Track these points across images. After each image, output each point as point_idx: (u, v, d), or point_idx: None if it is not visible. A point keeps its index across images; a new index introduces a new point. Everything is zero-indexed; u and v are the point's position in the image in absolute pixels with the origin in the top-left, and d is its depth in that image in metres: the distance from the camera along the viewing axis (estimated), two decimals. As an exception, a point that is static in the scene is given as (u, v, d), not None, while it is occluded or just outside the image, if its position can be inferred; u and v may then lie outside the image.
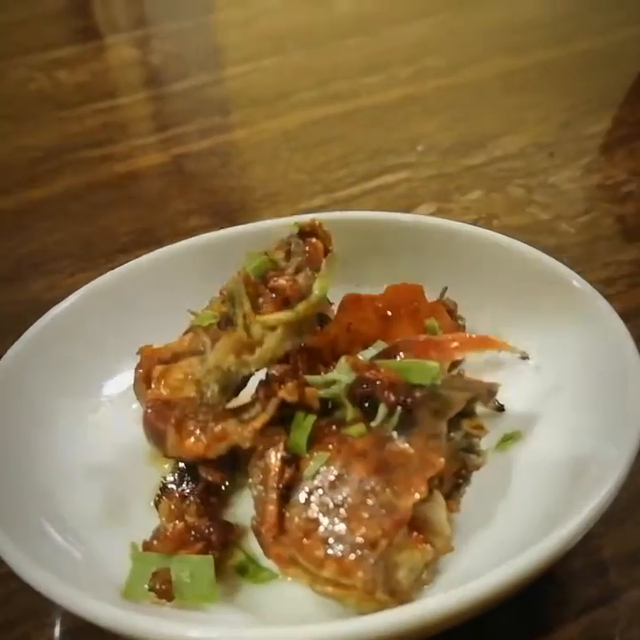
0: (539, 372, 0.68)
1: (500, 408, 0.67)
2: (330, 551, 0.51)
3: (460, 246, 0.76)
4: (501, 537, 0.57)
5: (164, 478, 0.65)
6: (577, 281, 0.68)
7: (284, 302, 0.60)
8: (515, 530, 0.57)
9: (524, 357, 0.69)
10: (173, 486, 0.64)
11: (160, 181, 1.20)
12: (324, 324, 0.73)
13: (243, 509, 0.63)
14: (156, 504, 0.63)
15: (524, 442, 0.64)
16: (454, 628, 0.49)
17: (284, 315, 0.59)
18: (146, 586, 0.55)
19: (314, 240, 0.61)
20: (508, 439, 0.65)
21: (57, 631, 0.58)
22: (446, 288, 0.75)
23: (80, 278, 0.90)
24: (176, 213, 1.09)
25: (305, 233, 0.62)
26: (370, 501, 0.52)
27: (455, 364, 0.69)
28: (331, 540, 0.51)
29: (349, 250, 0.68)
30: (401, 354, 0.63)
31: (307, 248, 0.61)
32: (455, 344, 0.67)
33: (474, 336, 0.68)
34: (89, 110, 1.41)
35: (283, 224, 0.72)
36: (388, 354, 0.64)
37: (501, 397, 0.65)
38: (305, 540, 0.52)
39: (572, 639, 0.54)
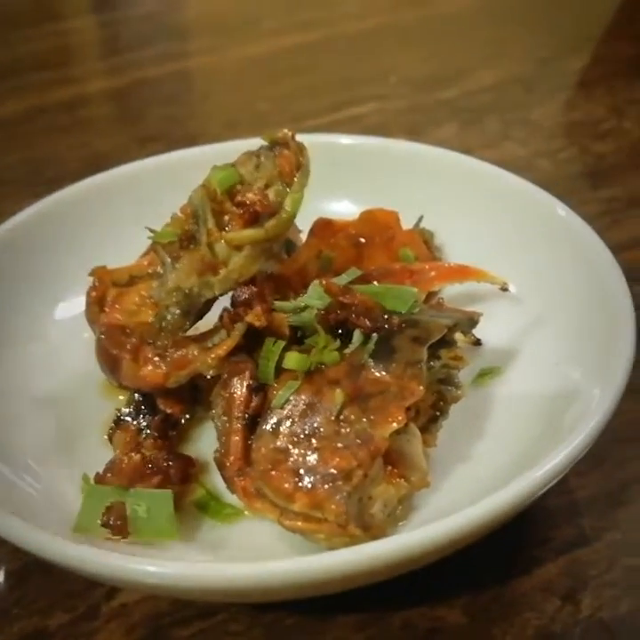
0: (519, 305, 0.65)
1: (477, 342, 0.63)
2: (300, 483, 0.47)
3: (437, 173, 0.72)
4: (478, 474, 0.54)
5: (119, 410, 0.60)
6: (562, 210, 0.64)
7: (253, 219, 0.54)
8: (491, 467, 0.54)
9: (505, 289, 0.65)
10: (128, 419, 0.59)
11: (113, 107, 1.13)
12: (291, 252, 0.68)
13: (203, 445, 0.59)
14: (110, 437, 0.59)
15: (503, 377, 0.61)
16: (434, 567, 0.46)
17: (252, 232, 0.54)
18: (99, 521, 0.50)
19: (286, 152, 0.56)
20: (486, 374, 0.61)
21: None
22: (422, 217, 0.71)
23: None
24: (131, 140, 1.03)
25: (276, 145, 0.56)
26: (344, 431, 0.48)
27: (431, 296, 0.65)
28: (301, 472, 0.47)
29: (320, 174, 0.63)
30: (375, 282, 0.59)
31: (277, 161, 0.55)
32: (433, 273, 0.63)
33: (452, 265, 0.64)
34: (39, 32, 1.32)
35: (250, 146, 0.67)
36: (362, 282, 0.59)
37: (479, 331, 0.61)
38: (273, 471, 0.48)
39: (551, 580, 0.52)
